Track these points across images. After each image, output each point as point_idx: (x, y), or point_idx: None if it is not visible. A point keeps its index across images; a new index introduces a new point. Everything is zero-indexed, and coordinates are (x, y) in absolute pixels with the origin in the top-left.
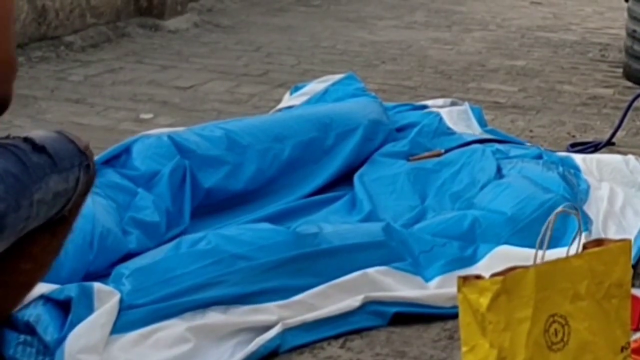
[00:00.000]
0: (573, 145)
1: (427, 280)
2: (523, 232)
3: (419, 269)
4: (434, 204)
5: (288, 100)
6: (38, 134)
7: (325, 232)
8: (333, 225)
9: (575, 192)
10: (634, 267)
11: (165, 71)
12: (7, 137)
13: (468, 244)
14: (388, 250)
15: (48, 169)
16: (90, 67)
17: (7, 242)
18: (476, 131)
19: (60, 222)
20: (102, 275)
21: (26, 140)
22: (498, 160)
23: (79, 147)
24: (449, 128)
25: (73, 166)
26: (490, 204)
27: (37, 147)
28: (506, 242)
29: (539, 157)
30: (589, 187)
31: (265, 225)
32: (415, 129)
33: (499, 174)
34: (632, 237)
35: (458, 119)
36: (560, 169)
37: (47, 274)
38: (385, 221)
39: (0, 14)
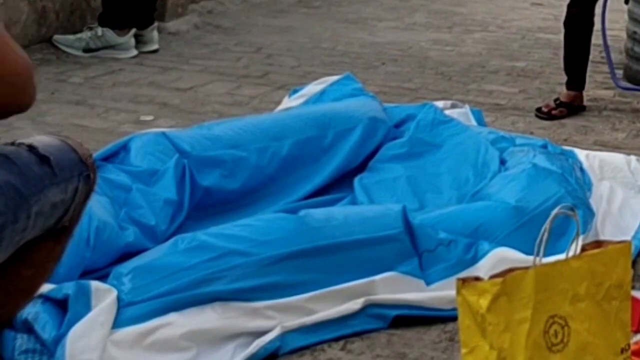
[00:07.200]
0: None
1: (428, 283)
2: (526, 227)
3: (422, 271)
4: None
5: (287, 102)
6: (43, 141)
7: (332, 224)
8: (343, 212)
9: (582, 185)
10: (633, 268)
11: (165, 73)
12: (13, 144)
13: (471, 240)
14: (395, 246)
15: (48, 180)
16: (91, 69)
17: (6, 254)
18: None
19: (62, 230)
20: (101, 276)
21: (31, 149)
22: (501, 151)
23: (80, 157)
24: (446, 116)
25: (73, 176)
26: (496, 195)
27: (41, 158)
28: (509, 237)
29: (544, 147)
30: (591, 183)
31: (265, 217)
32: (413, 125)
33: (503, 165)
34: (629, 238)
35: None
36: (570, 160)
37: (48, 279)
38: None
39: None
